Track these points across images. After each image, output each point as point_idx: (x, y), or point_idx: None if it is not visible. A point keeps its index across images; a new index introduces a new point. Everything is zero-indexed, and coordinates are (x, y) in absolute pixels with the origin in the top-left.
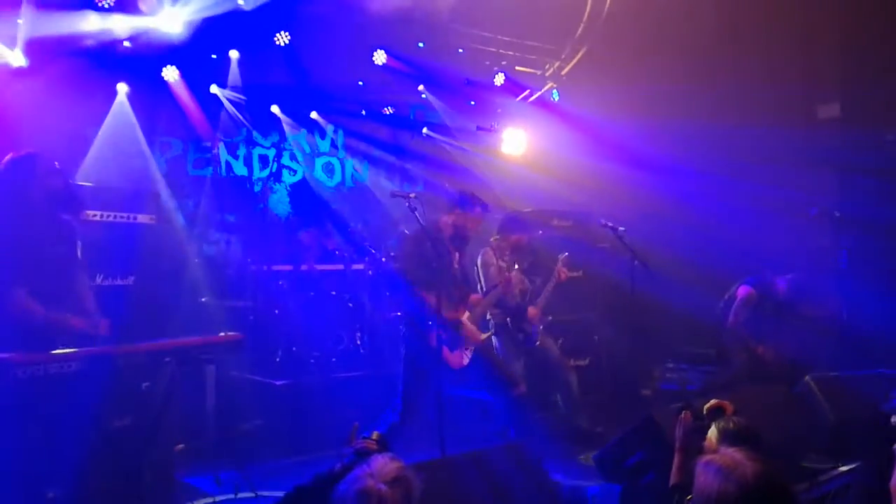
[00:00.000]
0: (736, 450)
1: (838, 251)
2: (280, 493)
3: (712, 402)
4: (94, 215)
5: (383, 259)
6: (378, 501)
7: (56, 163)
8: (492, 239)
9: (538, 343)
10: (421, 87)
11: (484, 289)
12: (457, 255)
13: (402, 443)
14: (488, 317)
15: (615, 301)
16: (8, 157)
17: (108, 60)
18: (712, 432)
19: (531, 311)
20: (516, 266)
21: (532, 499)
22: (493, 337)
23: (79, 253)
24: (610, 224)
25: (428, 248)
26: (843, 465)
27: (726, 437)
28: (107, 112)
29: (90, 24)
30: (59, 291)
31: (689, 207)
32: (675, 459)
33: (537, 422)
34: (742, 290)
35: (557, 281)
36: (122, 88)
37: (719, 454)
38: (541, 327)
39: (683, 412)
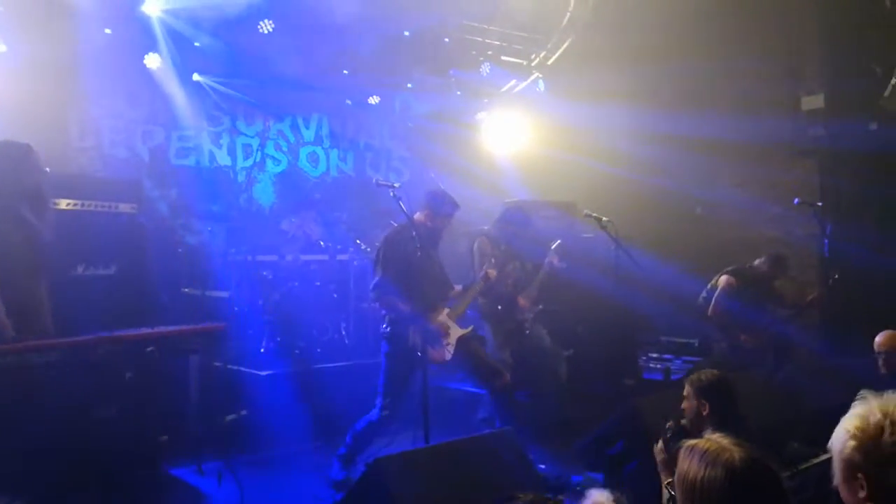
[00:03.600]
0: (720, 436)
1: (821, 240)
2: (264, 484)
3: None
4: (76, 204)
5: (367, 250)
6: None
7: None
8: (487, 228)
9: (528, 332)
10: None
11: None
12: (433, 249)
13: (385, 434)
14: (479, 304)
15: (599, 291)
16: None
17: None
18: (687, 390)
19: (521, 300)
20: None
21: (516, 488)
22: (483, 324)
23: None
24: (594, 214)
25: (408, 241)
26: (824, 454)
27: (701, 391)
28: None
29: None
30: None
31: (674, 198)
32: (664, 477)
33: (522, 411)
34: (723, 280)
35: (549, 269)
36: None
37: (703, 440)
38: (531, 316)
39: (659, 442)
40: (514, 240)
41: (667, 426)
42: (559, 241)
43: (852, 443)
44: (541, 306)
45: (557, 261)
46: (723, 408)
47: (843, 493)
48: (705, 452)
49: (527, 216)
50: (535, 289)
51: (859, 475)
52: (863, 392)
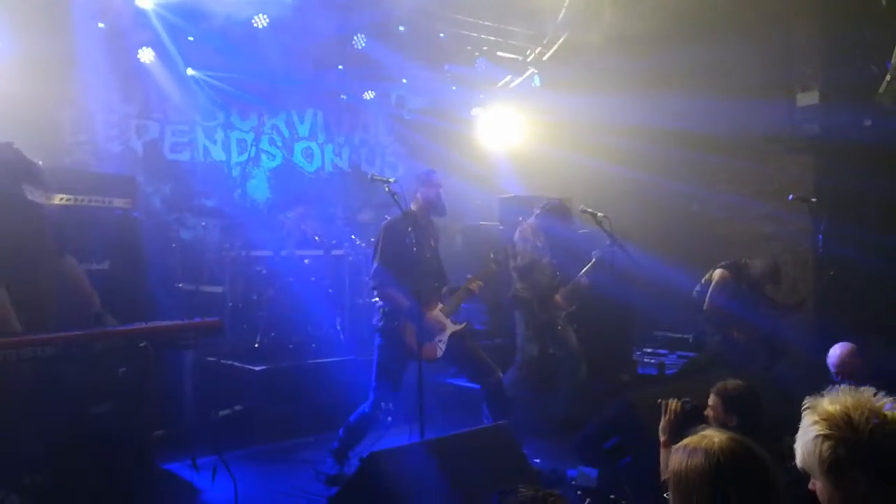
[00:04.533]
0: (711, 430)
1: (815, 236)
2: (258, 479)
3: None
4: (70, 199)
5: (362, 245)
6: None
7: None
8: (532, 218)
9: (559, 328)
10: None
11: (518, 264)
12: (432, 242)
13: (378, 428)
14: (516, 289)
15: (594, 287)
16: None
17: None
18: (713, 399)
19: (558, 298)
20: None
21: (511, 482)
22: (515, 313)
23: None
24: (590, 210)
25: (404, 236)
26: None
27: (729, 403)
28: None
29: None
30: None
31: (670, 194)
32: (662, 455)
33: (516, 407)
34: (717, 274)
35: (575, 286)
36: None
37: (691, 436)
38: (564, 314)
39: (672, 401)
40: (550, 236)
41: (690, 403)
42: (594, 261)
43: (828, 443)
44: (574, 307)
45: (586, 280)
46: (750, 422)
47: (836, 498)
48: (688, 444)
49: (567, 213)
50: (570, 288)
51: (850, 471)
52: (807, 400)
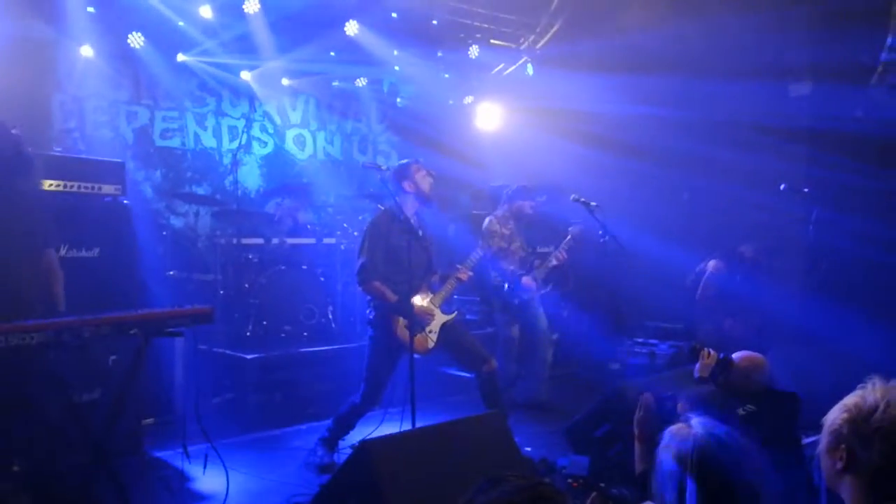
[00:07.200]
0: (697, 420)
1: (807, 226)
2: (249, 467)
3: None
4: (58, 185)
5: (355, 233)
6: None
7: (14, 129)
8: (497, 210)
9: (530, 311)
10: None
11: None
12: (420, 232)
13: (368, 418)
14: (491, 277)
15: (585, 276)
16: None
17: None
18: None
19: (526, 280)
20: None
21: (502, 470)
22: (493, 300)
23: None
24: (582, 199)
25: (390, 231)
26: (804, 437)
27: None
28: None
29: None
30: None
31: (660, 183)
32: (637, 448)
33: (507, 395)
34: (711, 263)
35: (557, 261)
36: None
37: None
38: (537, 296)
39: (644, 397)
40: (519, 217)
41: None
42: (570, 237)
43: (844, 415)
44: (549, 288)
45: (564, 256)
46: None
47: (824, 462)
48: (671, 429)
49: (528, 191)
50: (543, 269)
51: (842, 446)
52: (871, 376)
